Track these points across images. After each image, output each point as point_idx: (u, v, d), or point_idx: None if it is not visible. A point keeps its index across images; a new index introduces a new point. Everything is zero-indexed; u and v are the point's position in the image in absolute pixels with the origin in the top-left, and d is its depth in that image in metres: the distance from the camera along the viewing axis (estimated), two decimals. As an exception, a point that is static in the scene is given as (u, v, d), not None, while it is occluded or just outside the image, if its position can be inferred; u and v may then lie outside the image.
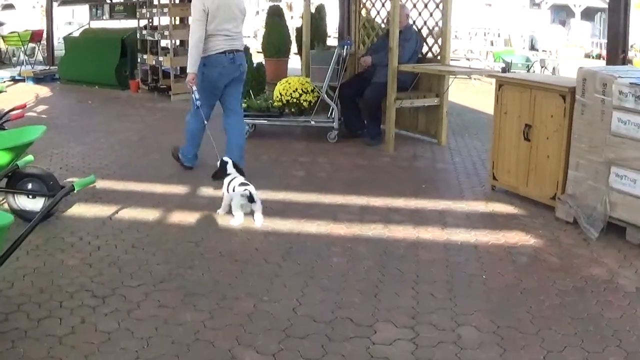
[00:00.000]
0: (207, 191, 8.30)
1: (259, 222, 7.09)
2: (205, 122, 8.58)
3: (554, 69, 21.49)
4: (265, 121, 11.31)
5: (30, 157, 6.28)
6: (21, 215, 6.91)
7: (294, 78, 11.54)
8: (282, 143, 11.15)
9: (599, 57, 32.34)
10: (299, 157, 10.23)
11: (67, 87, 17.87)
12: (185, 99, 14.37)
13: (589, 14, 44.96)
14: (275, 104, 11.33)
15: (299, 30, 15.29)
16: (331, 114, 11.23)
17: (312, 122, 11.09)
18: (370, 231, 7.01)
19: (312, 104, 11.34)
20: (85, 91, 17.07)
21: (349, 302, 5.43)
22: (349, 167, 9.71)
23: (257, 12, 37.53)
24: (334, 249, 6.54)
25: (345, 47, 11.13)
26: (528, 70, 20.65)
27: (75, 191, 4.95)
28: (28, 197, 7.01)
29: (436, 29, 11.15)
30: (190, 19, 8.57)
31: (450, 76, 10.61)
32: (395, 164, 9.97)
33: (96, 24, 19.26)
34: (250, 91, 12.21)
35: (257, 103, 11.26)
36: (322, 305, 5.36)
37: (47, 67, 19.31)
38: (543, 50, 31.93)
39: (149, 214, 7.44)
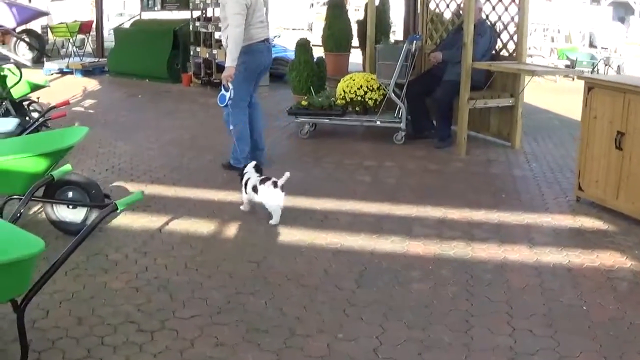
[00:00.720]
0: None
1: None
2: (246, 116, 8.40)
3: (618, 67, 20.37)
4: (327, 120, 10.52)
5: (67, 167, 5.49)
6: (60, 226, 6.29)
7: (358, 74, 10.73)
8: (344, 144, 10.35)
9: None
10: (364, 161, 9.41)
11: (116, 80, 17.18)
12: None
13: (649, 11, 43.38)
14: (338, 101, 10.54)
15: (360, 24, 14.36)
16: (398, 113, 10.38)
17: (378, 122, 10.26)
18: (451, 250, 6.23)
19: (377, 102, 10.54)
20: (135, 85, 16.35)
21: (438, 340, 4.66)
22: (419, 172, 8.91)
23: (312, 5, 36.55)
24: (413, 273, 5.75)
25: (415, 41, 10.23)
26: (593, 69, 19.53)
27: (118, 211, 4.06)
28: (68, 207, 6.32)
29: (511, 24, 10.27)
30: (229, 11, 7.95)
31: (527, 76, 9.71)
32: (469, 169, 9.14)
33: (147, 15, 18.49)
34: (311, 88, 11.24)
35: (318, 100, 10.37)
36: (407, 346, 4.58)
37: (96, 60, 18.59)
38: (602, 48, 30.65)
39: (203, 227, 6.71)
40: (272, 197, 6.70)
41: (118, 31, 18.27)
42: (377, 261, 5.97)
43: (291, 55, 16.01)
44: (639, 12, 42.15)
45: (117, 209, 4.12)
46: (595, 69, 20.09)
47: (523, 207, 7.51)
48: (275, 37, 18.32)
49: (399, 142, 10.33)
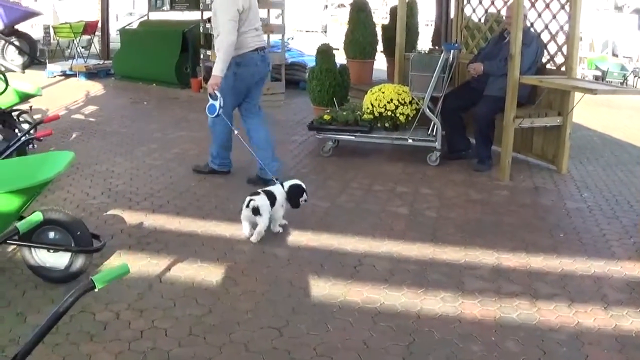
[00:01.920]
0: (288, 237, 6.47)
1: (254, 238, 6.24)
2: (233, 126, 7.73)
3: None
4: (353, 137, 9.19)
5: (37, 216, 4.06)
6: (40, 272, 5.20)
7: (388, 86, 9.49)
8: (372, 165, 9.17)
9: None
10: (396, 186, 8.25)
11: (121, 84, 15.96)
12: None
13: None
14: (365, 116, 9.28)
15: (385, 29, 13.06)
16: (432, 130, 9.20)
17: (410, 141, 9.07)
18: (514, 312, 5.08)
19: (409, 118, 9.36)
20: (141, 89, 15.17)
21: None
22: (460, 203, 7.71)
23: (326, 6, 35.27)
24: (473, 346, 4.59)
25: (452, 50, 9.02)
26: (624, 81, 18.26)
27: (96, 290, 2.92)
28: (49, 250, 5.17)
29: (560, 33, 9.04)
30: (220, 18, 7.42)
31: (580, 93, 8.43)
32: (516, 199, 7.98)
33: (155, 16, 17.06)
34: (334, 99, 9.96)
35: (343, 114, 9.13)
36: None
37: (101, 62, 17.36)
38: (625, 57, 29.34)
39: (212, 274, 5.57)
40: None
41: (124, 32, 16.99)
42: (427, 329, 4.79)
43: (308, 60, 14.95)
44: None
45: (95, 287, 2.95)
46: (625, 81, 18.87)
47: (586, 250, 6.42)
48: (288, 39, 17.05)
49: (434, 164, 9.16)
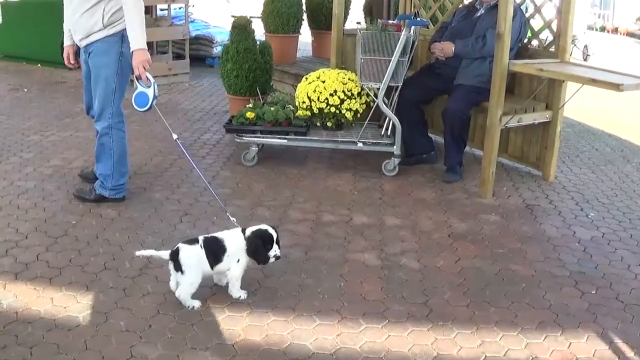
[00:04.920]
0: (213, 326, 4.08)
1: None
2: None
3: (585, 47, 16.96)
4: (285, 141, 6.46)
5: None
6: None
7: (329, 72, 7.05)
8: (312, 179, 6.77)
9: (602, 29, 27.60)
10: (352, 213, 5.92)
11: (3, 65, 12.90)
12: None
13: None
14: (300, 112, 6.67)
15: (310, -2, 10.24)
16: (389, 130, 6.93)
17: (360, 144, 6.42)
18: None
19: (358, 114, 6.88)
20: (23, 72, 12.18)
21: None
22: (444, 241, 5.45)
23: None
24: None
25: (415, 27, 6.66)
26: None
27: None
28: None
29: (547, 4, 6.81)
30: None
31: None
32: (511, 228, 5.78)
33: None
34: (258, 89, 7.29)
35: (271, 111, 6.45)
36: None
37: None
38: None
39: None
40: None
41: (6, 5, 13.79)
42: None
43: (216, 32, 12.24)
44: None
45: None
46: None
47: (635, 320, 4.29)
48: (192, 6, 14.20)
49: (391, 174, 6.87)
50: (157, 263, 4.54)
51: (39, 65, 12.41)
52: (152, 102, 5.25)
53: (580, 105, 8.31)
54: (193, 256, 4.11)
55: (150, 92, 5.28)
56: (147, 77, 5.31)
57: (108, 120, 5.53)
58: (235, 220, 4.53)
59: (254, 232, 4.28)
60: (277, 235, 4.30)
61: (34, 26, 12.45)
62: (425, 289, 4.53)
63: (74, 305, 4.14)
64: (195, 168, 5.28)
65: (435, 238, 5.35)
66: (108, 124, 5.55)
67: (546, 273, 4.88)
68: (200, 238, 4.18)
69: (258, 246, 4.23)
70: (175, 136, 5.22)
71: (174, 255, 4.09)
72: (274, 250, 4.27)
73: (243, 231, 4.28)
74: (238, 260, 4.26)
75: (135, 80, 5.36)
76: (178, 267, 4.10)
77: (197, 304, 4.12)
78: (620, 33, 28.06)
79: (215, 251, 4.17)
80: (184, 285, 4.09)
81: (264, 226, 4.35)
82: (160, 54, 11.86)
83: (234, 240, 4.22)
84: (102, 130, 5.57)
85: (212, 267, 4.15)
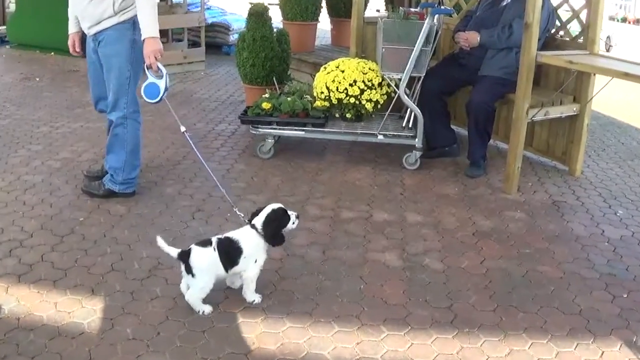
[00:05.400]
0: (229, 332, 3.82)
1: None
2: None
3: (608, 38, 16.62)
4: (302, 132, 6.19)
5: None
6: None
7: (348, 62, 6.78)
8: (331, 172, 6.51)
9: (624, 20, 27.17)
10: (372, 209, 5.66)
11: (16, 53, 12.60)
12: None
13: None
14: (318, 103, 6.43)
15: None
16: (410, 122, 6.63)
17: (380, 137, 6.14)
18: None
19: (378, 105, 6.59)
20: (37, 60, 11.86)
21: None
22: (469, 240, 5.19)
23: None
24: None
25: (439, 15, 6.44)
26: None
27: None
28: None
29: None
30: None
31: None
32: (538, 226, 5.51)
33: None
34: (274, 79, 7.01)
35: (288, 101, 6.17)
36: None
37: None
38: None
39: None
40: None
41: None
42: None
43: (232, 19, 11.95)
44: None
45: None
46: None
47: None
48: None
49: (412, 167, 6.61)
50: (167, 264, 4.30)
51: (52, 53, 12.17)
52: (163, 94, 4.97)
53: (605, 98, 8.02)
54: (205, 259, 3.87)
55: (161, 84, 4.99)
56: (158, 67, 5.03)
57: (123, 110, 5.28)
58: (244, 216, 4.23)
59: (267, 219, 4.07)
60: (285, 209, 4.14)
61: (47, 14, 12.17)
62: (450, 292, 4.28)
63: (78, 311, 3.90)
64: (204, 164, 4.97)
65: (459, 237, 5.09)
66: (123, 114, 5.31)
67: (575, 275, 4.63)
68: (214, 240, 3.93)
69: (274, 230, 4.06)
70: (183, 128, 4.94)
71: (185, 257, 3.81)
72: (292, 222, 4.13)
73: (253, 226, 3.99)
74: (255, 261, 4.01)
75: (146, 71, 5.06)
76: (189, 270, 3.87)
77: (208, 309, 3.90)
78: (643, 24, 27.66)
79: (230, 253, 3.93)
80: (195, 289, 3.86)
81: (269, 208, 4.12)
82: (176, 41, 11.58)
83: (250, 240, 3.97)
84: (116, 121, 5.33)
85: (227, 270, 3.90)
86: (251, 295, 4.03)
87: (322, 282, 4.32)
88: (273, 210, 4.09)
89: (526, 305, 4.20)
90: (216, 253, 3.88)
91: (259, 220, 4.02)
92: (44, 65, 11.19)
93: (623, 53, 14.95)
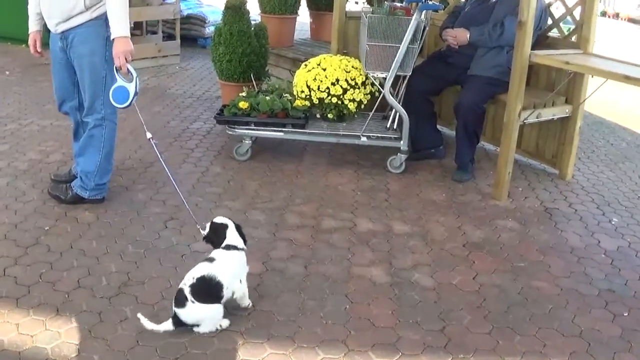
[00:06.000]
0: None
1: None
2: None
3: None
4: (281, 134, 5.89)
5: None
6: None
7: (330, 59, 6.49)
8: (312, 176, 6.19)
9: (604, 14, 27.00)
10: (356, 217, 5.35)
11: None
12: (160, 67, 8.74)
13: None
14: (298, 102, 6.10)
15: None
16: (395, 123, 6.35)
17: (364, 139, 5.76)
18: None
19: (362, 105, 6.34)
20: (8, 52, 11.35)
21: None
22: (459, 252, 4.88)
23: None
24: None
25: (427, 11, 6.05)
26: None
27: None
28: None
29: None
30: None
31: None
32: (530, 236, 5.23)
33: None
34: (252, 76, 6.67)
35: (266, 100, 5.83)
36: None
37: None
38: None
39: None
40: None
41: None
42: None
43: (208, 11, 11.57)
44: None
45: None
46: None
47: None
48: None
49: (397, 171, 6.30)
50: (137, 279, 3.97)
51: (24, 46, 11.59)
52: (132, 99, 4.65)
53: (592, 96, 7.75)
54: (193, 313, 3.59)
55: (131, 88, 4.67)
56: (128, 69, 4.68)
57: (101, 112, 4.93)
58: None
59: (238, 230, 3.90)
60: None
61: (19, 4, 11.63)
62: (442, 312, 3.98)
63: (42, 334, 3.58)
64: (171, 178, 4.61)
65: (448, 248, 4.79)
66: (101, 116, 4.97)
67: (573, 291, 4.35)
68: (186, 289, 3.59)
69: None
70: (149, 135, 4.59)
71: (179, 322, 3.61)
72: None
73: (230, 247, 3.70)
74: (240, 281, 3.78)
75: (115, 73, 4.68)
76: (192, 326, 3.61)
77: (225, 322, 3.72)
78: (622, 19, 27.46)
79: (211, 291, 3.63)
80: (206, 327, 3.64)
81: (226, 223, 3.92)
82: (150, 34, 11.16)
83: (228, 266, 3.66)
84: (95, 122, 4.94)
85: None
86: (246, 300, 3.83)
87: (305, 301, 4.00)
88: (235, 224, 3.90)
89: (523, 327, 3.92)
90: (195, 304, 3.54)
91: (234, 238, 3.66)
92: (14, 57, 10.74)
93: (605, 49, 14.68)
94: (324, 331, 3.73)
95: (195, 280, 3.61)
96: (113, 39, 4.66)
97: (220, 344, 3.56)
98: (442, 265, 4.54)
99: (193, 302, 3.53)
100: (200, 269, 3.67)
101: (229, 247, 3.73)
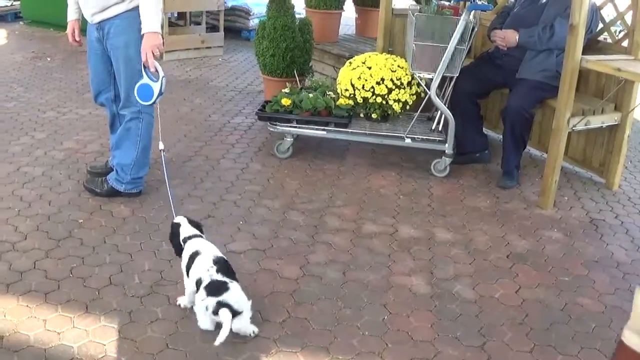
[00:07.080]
0: None
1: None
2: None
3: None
4: (323, 132, 5.96)
5: None
6: None
7: (376, 57, 6.34)
8: (353, 177, 6.05)
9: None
10: (398, 223, 5.19)
11: (29, 31, 12.09)
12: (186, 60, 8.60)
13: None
14: (341, 101, 6.10)
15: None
16: (440, 125, 6.21)
17: (408, 140, 5.62)
18: None
19: (407, 106, 6.20)
20: (49, 39, 11.37)
21: None
22: (502, 263, 4.72)
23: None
24: None
25: (476, 11, 5.88)
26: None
27: None
28: None
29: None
30: None
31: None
32: (576, 249, 5.03)
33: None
34: (295, 72, 6.55)
35: (309, 98, 5.70)
36: None
37: (9, 3, 13.23)
38: None
39: None
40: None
41: None
42: None
43: (254, 4, 11.57)
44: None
45: None
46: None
47: None
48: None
49: (441, 175, 6.14)
50: (170, 279, 3.87)
51: (65, 32, 11.61)
52: (156, 98, 4.61)
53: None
54: (238, 296, 3.50)
55: (156, 87, 4.60)
56: (156, 68, 4.60)
57: (137, 105, 4.83)
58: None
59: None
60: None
61: (62, -10, 11.66)
62: (482, 327, 3.82)
63: (69, 332, 3.50)
64: (168, 189, 4.50)
65: (492, 259, 4.63)
66: (138, 109, 4.89)
67: (617, 309, 4.17)
68: (218, 277, 3.56)
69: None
70: (161, 146, 4.59)
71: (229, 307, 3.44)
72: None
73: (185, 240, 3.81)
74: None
75: (142, 69, 4.61)
76: (234, 313, 3.44)
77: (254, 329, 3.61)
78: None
79: (231, 268, 3.66)
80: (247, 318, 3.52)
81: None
82: (194, 25, 11.08)
83: (210, 246, 3.77)
84: (131, 115, 4.86)
85: None
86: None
87: (342, 309, 3.87)
88: (189, 219, 3.97)
89: (566, 346, 3.75)
90: (234, 283, 3.49)
91: (189, 230, 3.89)
92: (56, 44, 10.75)
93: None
94: (360, 343, 3.60)
95: (216, 265, 3.54)
96: (143, 34, 4.53)
97: (253, 352, 3.45)
98: (485, 277, 4.39)
99: (231, 281, 3.47)
100: (206, 258, 3.62)
101: (189, 238, 3.75)
